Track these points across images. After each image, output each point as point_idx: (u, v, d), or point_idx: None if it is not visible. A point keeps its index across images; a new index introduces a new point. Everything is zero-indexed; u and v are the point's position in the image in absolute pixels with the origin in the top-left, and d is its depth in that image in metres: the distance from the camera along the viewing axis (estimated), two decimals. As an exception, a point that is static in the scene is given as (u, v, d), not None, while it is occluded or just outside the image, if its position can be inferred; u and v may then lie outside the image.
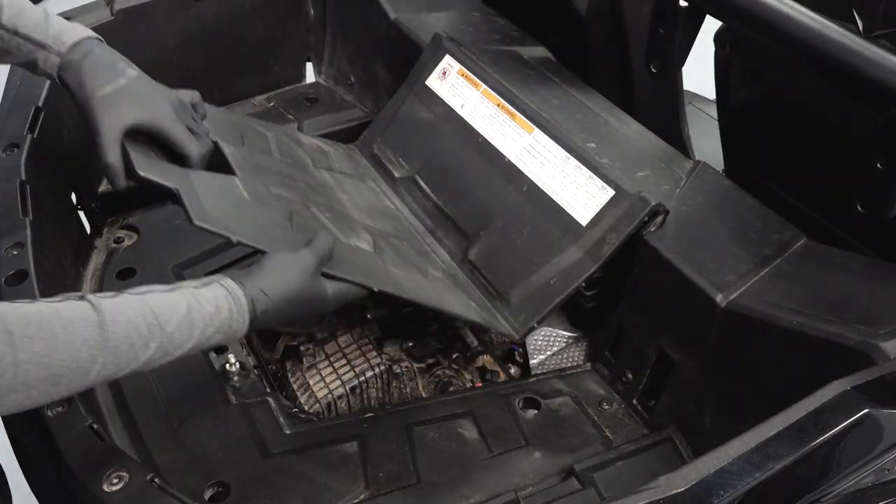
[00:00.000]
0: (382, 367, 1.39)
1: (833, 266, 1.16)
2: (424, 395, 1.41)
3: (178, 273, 1.42)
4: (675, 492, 0.77)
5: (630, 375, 1.27)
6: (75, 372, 0.81)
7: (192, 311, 0.90)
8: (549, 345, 1.45)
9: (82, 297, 0.84)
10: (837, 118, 1.34)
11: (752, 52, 1.46)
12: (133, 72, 1.12)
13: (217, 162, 1.22)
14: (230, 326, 0.95)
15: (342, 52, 1.93)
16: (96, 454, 0.96)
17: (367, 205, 1.43)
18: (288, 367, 1.43)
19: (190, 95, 1.22)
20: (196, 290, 0.93)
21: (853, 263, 1.18)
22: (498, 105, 1.43)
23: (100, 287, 1.39)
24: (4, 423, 1.11)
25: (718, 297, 1.11)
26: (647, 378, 1.24)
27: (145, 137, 1.13)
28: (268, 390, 1.25)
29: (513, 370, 1.47)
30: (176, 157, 1.16)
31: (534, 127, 1.37)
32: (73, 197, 1.50)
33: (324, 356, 1.41)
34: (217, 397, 1.21)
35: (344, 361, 1.40)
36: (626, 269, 1.31)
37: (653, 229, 1.22)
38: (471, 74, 1.49)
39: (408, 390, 1.41)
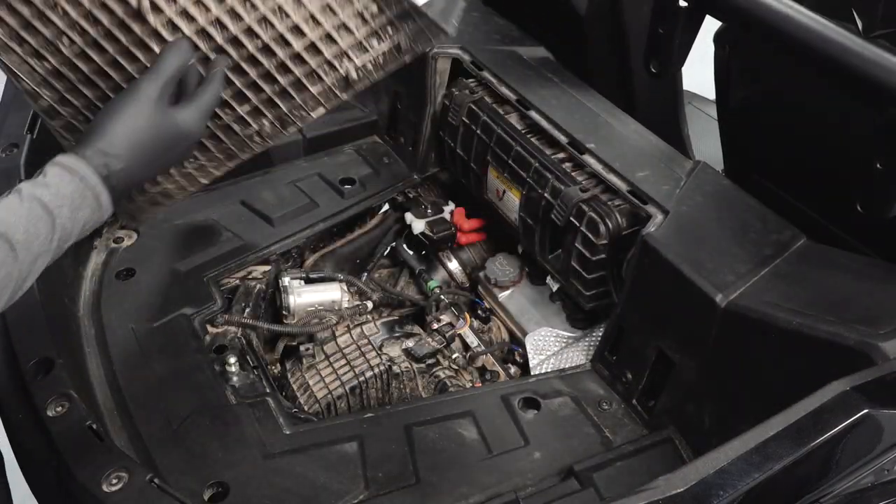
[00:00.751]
0: (382, 368, 1.39)
1: (833, 266, 1.16)
2: (424, 396, 1.41)
3: (178, 272, 1.42)
4: (674, 492, 0.77)
5: (630, 375, 1.27)
6: None
7: (33, 209, 0.82)
8: (549, 345, 1.45)
9: None
10: (837, 118, 1.34)
11: (751, 53, 1.46)
12: None
13: None
14: (84, 200, 0.86)
15: (342, 53, 1.93)
16: (96, 454, 0.97)
17: None
18: (287, 368, 1.43)
19: None
20: (33, 182, 0.85)
21: (853, 263, 1.18)
22: None
23: (99, 288, 1.39)
24: (4, 423, 1.11)
25: (718, 298, 1.11)
26: (647, 378, 1.24)
27: None
28: (267, 390, 1.25)
29: (512, 370, 1.47)
30: None
31: None
32: (73, 197, 1.50)
33: (323, 356, 1.42)
34: (217, 397, 1.21)
35: (343, 362, 1.40)
36: (625, 268, 1.31)
37: (652, 229, 1.22)
38: None
39: (407, 390, 1.41)
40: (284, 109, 1.08)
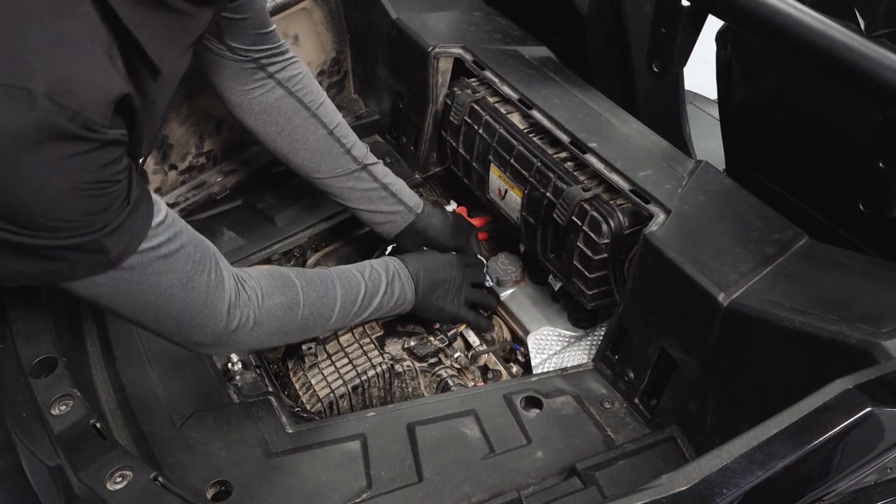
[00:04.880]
0: (384, 367, 1.39)
1: (835, 265, 1.16)
2: (426, 395, 1.41)
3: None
4: (677, 490, 0.77)
5: (632, 375, 1.27)
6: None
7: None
8: (551, 344, 1.45)
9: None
10: (839, 117, 1.34)
11: (753, 52, 1.46)
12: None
13: None
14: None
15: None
16: (99, 453, 0.97)
17: None
18: (290, 366, 1.43)
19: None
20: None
21: (855, 262, 1.18)
22: None
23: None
24: (6, 422, 1.11)
25: (720, 297, 1.11)
26: (649, 377, 1.24)
27: None
28: (270, 389, 1.25)
29: (514, 369, 1.47)
30: None
31: None
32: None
33: (325, 355, 1.42)
34: (219, 396, 1.21)
35: (346, 360, 1.40)
36: (627, 268, 1.31)
37: (654, 229, 1.22)
38: None
39: (410, 389, 1.42)
40: None
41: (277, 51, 1.37)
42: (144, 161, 1.54)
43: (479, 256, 1.58)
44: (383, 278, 1.34)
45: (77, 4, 0.83)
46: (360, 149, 1.47)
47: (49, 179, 0.82)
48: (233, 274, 1.11)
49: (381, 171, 1.50)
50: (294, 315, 1.19)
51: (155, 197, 0.98)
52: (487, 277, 1.55)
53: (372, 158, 1.49)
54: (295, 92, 1.40)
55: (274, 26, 1.37)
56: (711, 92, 1.74)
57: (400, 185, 1.52)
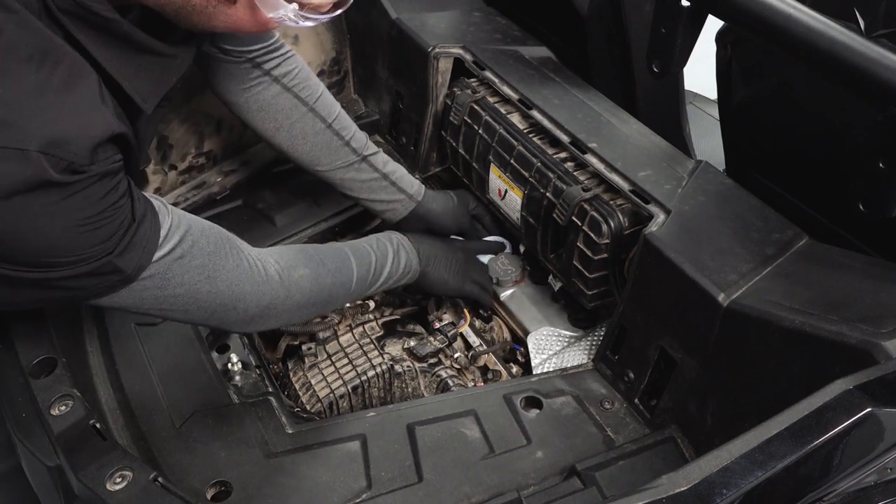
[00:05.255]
0: (384, 367, 1.39)
1: (835, 265, 1.16)
2: (426, 395, 1.41)
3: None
4: (677, 491, 0.77)
5: (632, 375, 1.27)
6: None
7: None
8: (551, 344, 1.45)
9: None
10: (839, 117, 1.34)
11: (753, 52, 1.46)
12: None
13: None
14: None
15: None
16: (99, 453, 0.97)
17: None
18: (290, 367, 1.43)
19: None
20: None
21: (855, 262, 1.18)
22: None
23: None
24: (6, 422, 1.11)
25: (720, 297, 1.11)
26: (649, 377, 1.24)
27: None
28: (270, 389, 1.25)
29: (514, 369, 1.47)
30: None
31: None
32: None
33: (325, 355, 1.42)
34: (219, 396, 1.21)
35: (346, 361, 1.40)
36: (627, 268, 1.31)
37: (654, 229, 1.22)
38: None
39: (409, 390, 1.42)
40: None
41: (272, 48, 1.38)
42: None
43: (486, 238, 1.64)
44: (389, 247, 1.38)
45: (61, 52, 0.84)
46: (360, 139, 1.48)
47: (51, 222, 0.83)
48: (252, 253, 1.13)
49: (381, 160, 1.51)
50: (320, 285, 1.21)
51: (157, 204, 0.99)
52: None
53: (372, 148, 1.50)
54: (291, 88, 1.40)
55: None
56: (711, 92, 1.73)
57: (401, 173, 1.53)
